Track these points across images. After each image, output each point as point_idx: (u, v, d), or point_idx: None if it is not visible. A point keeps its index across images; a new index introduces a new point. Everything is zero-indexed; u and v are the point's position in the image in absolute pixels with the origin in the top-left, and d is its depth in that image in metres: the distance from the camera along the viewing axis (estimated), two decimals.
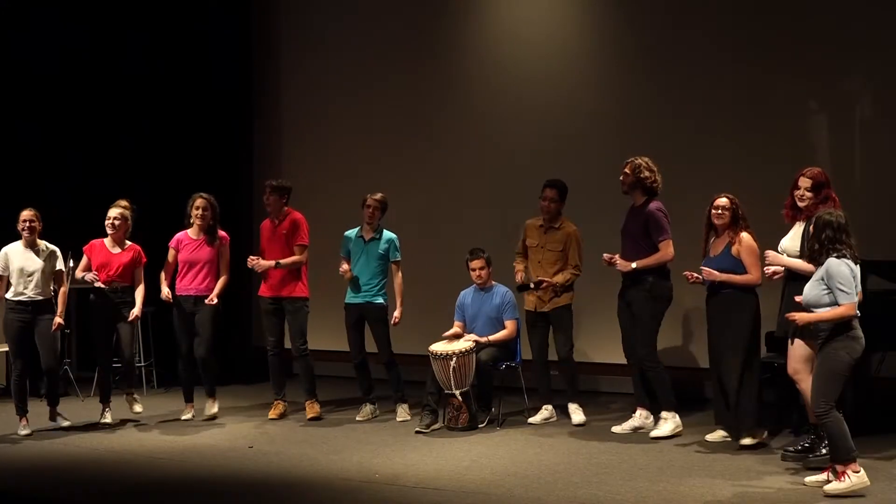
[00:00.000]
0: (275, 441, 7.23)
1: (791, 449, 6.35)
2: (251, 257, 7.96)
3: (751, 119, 8.44)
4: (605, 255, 7.13)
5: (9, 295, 7.47)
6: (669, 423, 7.06)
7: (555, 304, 7.55)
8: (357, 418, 7.91)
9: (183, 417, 7.97)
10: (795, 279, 6.16)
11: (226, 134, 10.32)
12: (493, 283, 7.83)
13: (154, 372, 9.48)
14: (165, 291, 7.84)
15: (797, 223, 6.36)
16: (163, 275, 7.93)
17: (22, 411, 7.51)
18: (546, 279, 7.50)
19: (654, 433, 7.04)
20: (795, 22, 8.32)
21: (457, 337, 7.71)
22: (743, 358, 6.57)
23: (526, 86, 9.40)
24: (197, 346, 7.88)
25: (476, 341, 7.52)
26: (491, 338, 7.62)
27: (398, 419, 7.84)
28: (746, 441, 6.63)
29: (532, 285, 7.50)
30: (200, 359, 7.89)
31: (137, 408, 7.93)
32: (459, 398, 7.40)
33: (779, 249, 6.42)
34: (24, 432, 7.43)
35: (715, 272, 6.57)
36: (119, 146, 10.19)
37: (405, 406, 7.92)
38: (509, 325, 7.70)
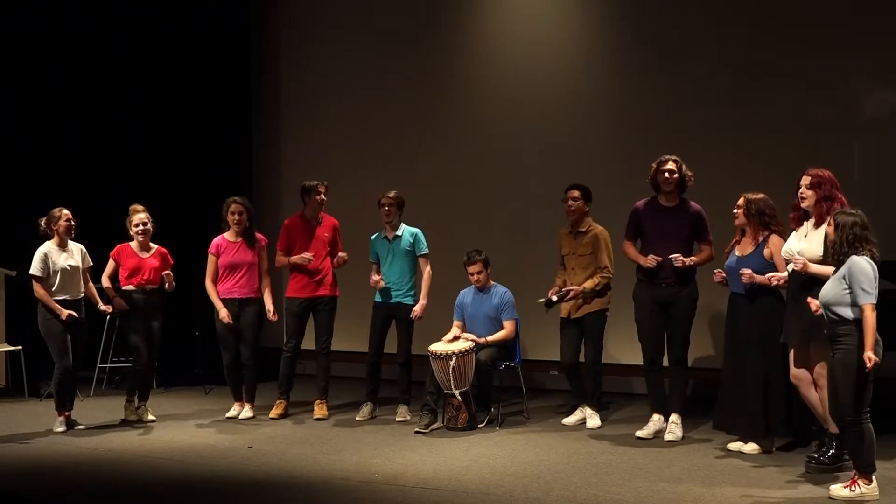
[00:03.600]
0: (274, 441, 7.23)
1: (815, 455, 6.15)
2: (304, 255, 7.88)
3: (750, 120, 8.44)
4: (652, 256, 6.89)
5: (51, 294, 7.48)
6: (680, 426, 7.00)
7: (585, 310, 7.43)
8: (357, 418, 7.91)
9: (228, 414, 8.04)
10: (805, 288, 5.98)
11: (225, 134, 10.32)
12: (493, 283, 7.83)
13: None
14: (224, 313, 7.85)
15: (804, 224, 6.24)
16: (212, 290, 7.94)
17: (62, 407, 7.56)
18: (574, 287, 7.37)
19: (668, 437, 6.93)
20: (796, 23, 8.31)
21: (456, 338, 7.71)
22: (775, 364, 6.41)
23: (525, 86, 9.41)
24: (244, 349, 7.96)
25: (475, 342, 7.53)
26: (490, 338, 7.62)
27: (398, 419, 7.84)
28: (751, 448, 6.54)
29: (555, 298, 7.39)
30: (247, 360, 7.97)
31: (149, 416, 7.99)
32: (459, 398, 7.40)
33: (784, 253, 6.28)
34: (60, 429, 7.50)
35: (755, 275, 6.36)
36: (119, 147, 10.21)
37: (405, 406, 7.92)
38: (508, 325, 7.70)
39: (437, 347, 7.48)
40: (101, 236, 8.11)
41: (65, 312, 7.44)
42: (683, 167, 6.99)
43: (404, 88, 9.96)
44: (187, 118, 10.23)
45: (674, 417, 7.02)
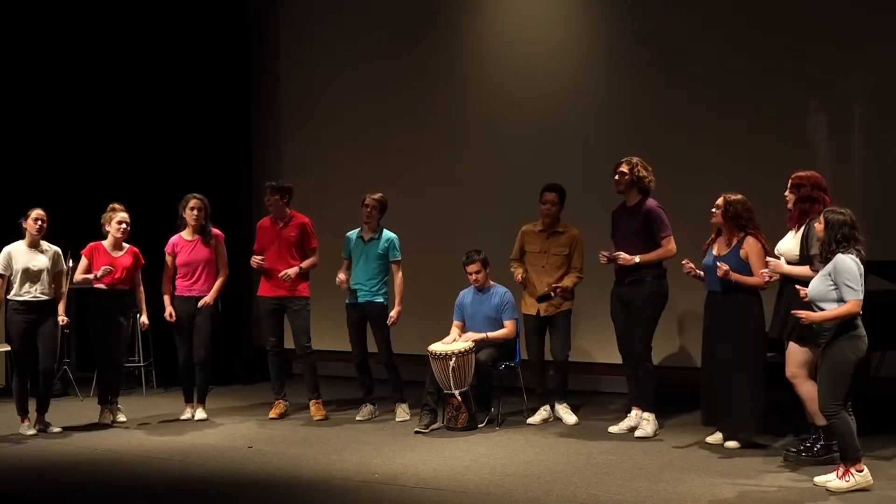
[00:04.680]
0: (275, 441, 7.23)
1: (793, 449, 6.35)
2: (255, 258, 7.97)
3: (750, 120, 8.44)
4: (602, 252, 7.12)
5: (12, 295, 7.43)
6: (652, 423, 7.11)
7: (560, 308, 7.56)
8: (357, 418, 7.92)
9: (182, 417, 7.98)
10: (792, 282, 6.17)
11: (225, 134, 10.32)
12: (492, 283, 7.83)
13: (154, 372, 9.50)
14: (168, 311, 7.83)
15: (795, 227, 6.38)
16: (166, 293, 7.89)
17: (24, 412, 7.51)
18: (559, 285, 7.50)
19: (638, 433, 7.06)
20: (796, 23, 8.31)
21: (455, 340, 7.70)
22: (750, 360, 6.52)
23: (525, 86, 9.40)
24: (197, 349, 7.89)
25: (475, 340, 7.53)
26: (490, 335, 7.63)
27: (397, 419, 7.84)
28: (732, 444, 6.64)
29: (553, 294, 7.51)
30: (200, 361, 7.90)
31: (121, 417, 7.92)
32: (459, 398, 7.40)
33: (776, 252, 6.44)
34: (29, 432, 7.43)
35: (734, 274, 6.48)
36: (118, 147, 10.22)
37: (404, 406, 7.92)
38: (508, 325, 7.70)
39: (437, 348, 7.48)
40: (99, 236, 8.10)
41: None
42: (637, 168, 7.09)
43: (404, 88, 9.95)
44: (187, 118, 10.22)
45: (644, 414, 7.15)
